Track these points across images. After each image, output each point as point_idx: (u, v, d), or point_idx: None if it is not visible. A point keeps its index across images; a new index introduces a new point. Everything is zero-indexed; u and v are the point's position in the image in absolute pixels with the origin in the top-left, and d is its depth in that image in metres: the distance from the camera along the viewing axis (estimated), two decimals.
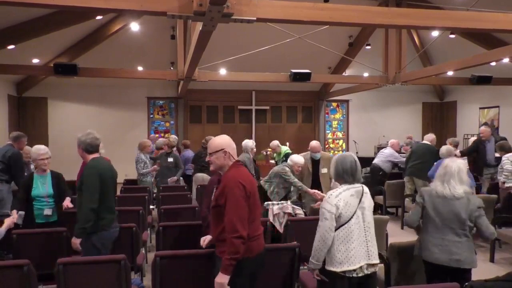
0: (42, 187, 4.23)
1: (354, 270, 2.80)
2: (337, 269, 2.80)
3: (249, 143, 7.04)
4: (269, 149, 11.51)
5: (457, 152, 7.47)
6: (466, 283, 2.84)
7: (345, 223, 2.82)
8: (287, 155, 7.86)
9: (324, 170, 6.21)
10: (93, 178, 3.49)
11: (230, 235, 2.64)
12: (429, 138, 7.81)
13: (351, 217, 2.83)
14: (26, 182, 4.28)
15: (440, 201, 3.28)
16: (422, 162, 7.40)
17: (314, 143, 6.35)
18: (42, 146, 4.34)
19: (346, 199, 2.85)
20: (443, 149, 6.64)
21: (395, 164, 8.57)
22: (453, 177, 3.29)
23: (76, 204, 3.79)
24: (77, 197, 3.62)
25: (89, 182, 3.48)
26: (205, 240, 3.08)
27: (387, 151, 8.35)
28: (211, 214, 2.96)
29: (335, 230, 2.82)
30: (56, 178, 4.37)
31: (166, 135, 12.93)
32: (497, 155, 7.10)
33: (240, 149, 6.91)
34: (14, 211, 4.14)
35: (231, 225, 2.65)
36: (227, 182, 2.76)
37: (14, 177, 5.59)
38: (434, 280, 3.27)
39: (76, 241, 3.48)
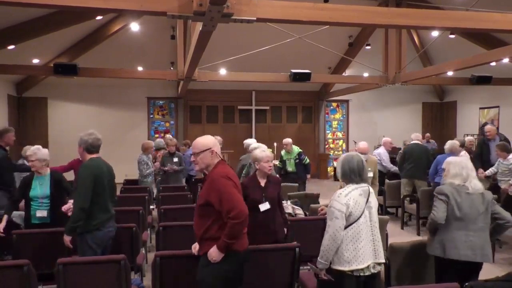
0: (39, 188, 4.20)
1: (362, 269, 2.81)
2: (345, 268, 2.80)
3: (253, 141, 6.85)
4: (269, 149, 11.49)
5: (462, 153, 7.47)
6: (466, 283, 2.84)
7: (354, 222, 2.83)
8: (300, 155, 7.79)
9: (369, 174, 5.80)
10: (85, 178, 3.51)
11: (233, 221, 2.70)
12: (419, 137, 7.82)
13: (360, 216, 2.84)
14: (26, 182, 4.26)
15: (464, 197, 3.30)
16: (420, 163, 7.43)
17: (362, 144, 6.06)
18: (33, 147, 4.29)
19: (355, 198, 2.86)
20: (448, 144, 6.68)
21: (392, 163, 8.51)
22: (473, 172, 3.39)
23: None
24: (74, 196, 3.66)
25: (81, 182, 3.52)
26: (195, 247, 3.04)
27: (377, 151, 8.34)
28: (195, 214, 2.96)
29: (344, 229, 2.82)
30: (56, 179, 4.32)
31: (167, 135, 12.94)
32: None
33: (238, 149, 6.94)
34: (5, 217, 4.17)
35: (234, 210, 2.71)
36: (214, 177, 2.83)
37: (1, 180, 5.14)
38: (446, 277, 3.25)
39: (66, 238, 3.55)
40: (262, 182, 3.87)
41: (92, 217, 3.52)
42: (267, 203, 3.78)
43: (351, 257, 2.80)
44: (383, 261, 2.92)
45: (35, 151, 4.23)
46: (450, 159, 3.57)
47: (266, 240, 3.59)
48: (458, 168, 3.39)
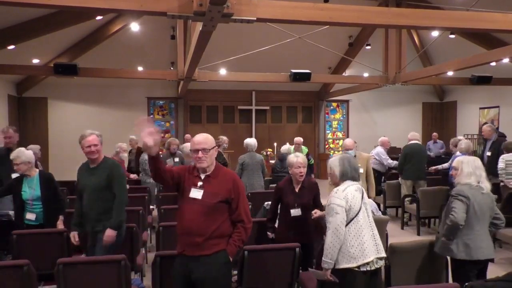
0: (28, 190, 4.13)
1: (368, 264, 2.84)
2: (352, 264, 2.82)
3: (253, 141, 6.86)
4: (269, 149, 11.54)
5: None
6: (466, 284, 2.84)
7: (354, 217, 2.88)
8: (307, 155, 7.82)
9: (360, 170, 5.68)
10: (124, 176, 3.85)
11: (247, 225, 2.88)
12: (417, 137, 7.79)
13: (359, 211, 2.89)
14: (15, 183, 4.18)
15: (482, 197, 3.35)
16: (421, 163, 7.45)
17: (347, 141, 5.82)
18: (16, 150, 4.22)
19: (352, 193, 2.92)
20: (464, 144, 6.57)
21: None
22: (483, 172, 3.45)
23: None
24: (99, 193, 3.62)
25: (122, 179, 3.75)
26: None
27: (375, 150, 8.33)
28: (203, 212, 2.77)
29: (346, 225, 2.85)
30: (45, 179, 4.22)
31: (167, 135, 12.95)
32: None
33: (238, 149, 6.99)
34: None
35: (247, 215, 2.88)
36: (234, 176, 2.96)
37: None
38: (464, 279, 3.21)
39: (112, 233, 3.55)
40: (296, 188, 3.95)
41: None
42: (299, 209, 3.85)
43: (357, 252, 2.82)
44: (385, 255, 2.97)
45: (18, 154, 4.11)
46: (462, 158, 3.60)
47: (295, 241, 3.66)
48: (471, 167, 3.41)
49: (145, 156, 7.29)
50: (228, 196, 2.81)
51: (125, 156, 6.55)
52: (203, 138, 2.87)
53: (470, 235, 3.30)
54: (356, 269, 2.82)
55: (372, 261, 2.85)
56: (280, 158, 7.13)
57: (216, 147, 2.95)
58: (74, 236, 3.71)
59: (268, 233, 4.06)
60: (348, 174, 3.01)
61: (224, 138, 7.32)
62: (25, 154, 4.13)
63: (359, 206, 2.90)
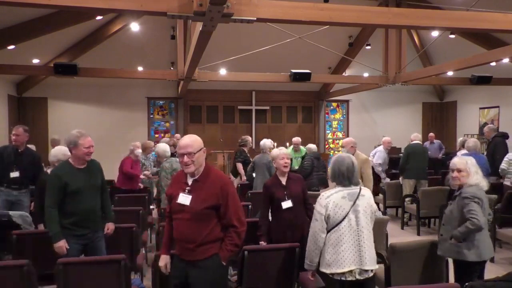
0: None
1: (343, 274, 2.77)
2: (327, 270, 2.82)
3: (268, 142, 6.90)
4: (270, 149, 11.51)
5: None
6: (466, 284, 2.84)
7: (336, 225, 2.80)
8: (306, 155, 7.87)
9: None
10: None
11: (239, 229, 2.75)
12: (419, 137, 7.79)
13: (342, 220, 2.79)
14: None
15: (485, 197, 3.34)
16: (423, 163, 7.47)
17: (345, 140, 5.57)
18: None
19: (336, 201, 2.81)
20: (472, 142, 6.53)
21: (389, 161, 8.45)
22: (480, 170, 3.44)
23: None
24: (97, 192, 3.70)
25: None
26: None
27: (375, 150, 8.33)
28: (192, 219, 2.71)
29: (327, 232, 2.82)
30: None
31: (166, 135, 12.94)
32: None
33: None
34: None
35: (239, 219, 2.76)
36: (223, 180, 2.81)
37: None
38: (468, 279, 3.18)
39: (114, 226, 3.85)
40: (283, 181, 3.96)
41: None
42: (289, 201, 3.84)
43: (331, 260, 2.80)
44: (372, 267, 2.83)
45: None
46: (466, 158, 3.51)
47: (293, 237, 3.67)
48: (476, 167, 3.40)
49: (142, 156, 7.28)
50: (216, 202, 2.70)
51: (139, 152, 6.50)
52: (189, 141, 2.73)
53: (479, 236, 3.27)
54: (330, 275, 2.79)
55: (352, 272, 2.76)
56: (317, 156, 7.14)
57: (204, 148, 2.80)
58: (65, 246, 3.40)
59: (261, 243, 3.80)
60: (336, 178, 2.91)
61: (249, 138, 7.30)
62: None
63: (342, 215, 2.78)
